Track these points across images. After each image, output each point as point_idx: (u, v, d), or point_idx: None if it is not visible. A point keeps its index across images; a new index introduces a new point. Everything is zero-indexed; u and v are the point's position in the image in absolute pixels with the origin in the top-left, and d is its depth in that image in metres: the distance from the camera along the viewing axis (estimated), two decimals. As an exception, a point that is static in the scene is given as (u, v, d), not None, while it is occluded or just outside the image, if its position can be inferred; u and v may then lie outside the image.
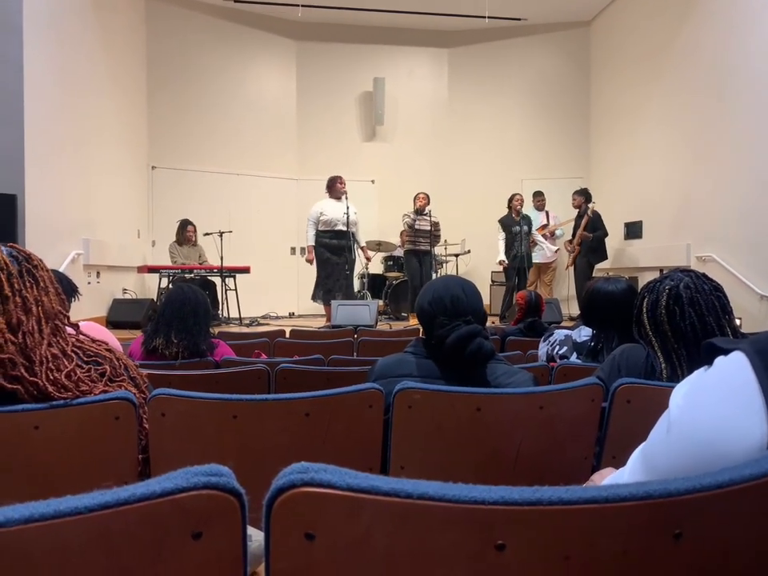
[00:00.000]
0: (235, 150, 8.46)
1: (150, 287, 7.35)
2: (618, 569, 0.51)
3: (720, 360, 0.69)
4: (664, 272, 1.69)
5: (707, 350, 0.72)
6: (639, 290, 1.66)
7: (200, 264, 6.92)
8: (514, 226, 7.31)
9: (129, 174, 7.32)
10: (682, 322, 1.51)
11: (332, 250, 6.43)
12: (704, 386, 0.69)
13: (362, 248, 6.83)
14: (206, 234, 6.87)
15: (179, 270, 6.55)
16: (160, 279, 6.59)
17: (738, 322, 4.97)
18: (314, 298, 6.60)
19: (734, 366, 0.66)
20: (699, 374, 0.72)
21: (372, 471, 1.46)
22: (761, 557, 0.54)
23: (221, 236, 6.64)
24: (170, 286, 6.13)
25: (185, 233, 6.94)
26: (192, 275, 6.55)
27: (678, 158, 6.94)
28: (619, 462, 0.86)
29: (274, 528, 0.50)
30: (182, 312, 2.48)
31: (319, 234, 6.44)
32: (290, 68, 8.99)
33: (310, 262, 6.54)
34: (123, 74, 7.09)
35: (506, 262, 7.34)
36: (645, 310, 1.58)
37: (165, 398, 1.29)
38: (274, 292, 8.14)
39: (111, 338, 2.28)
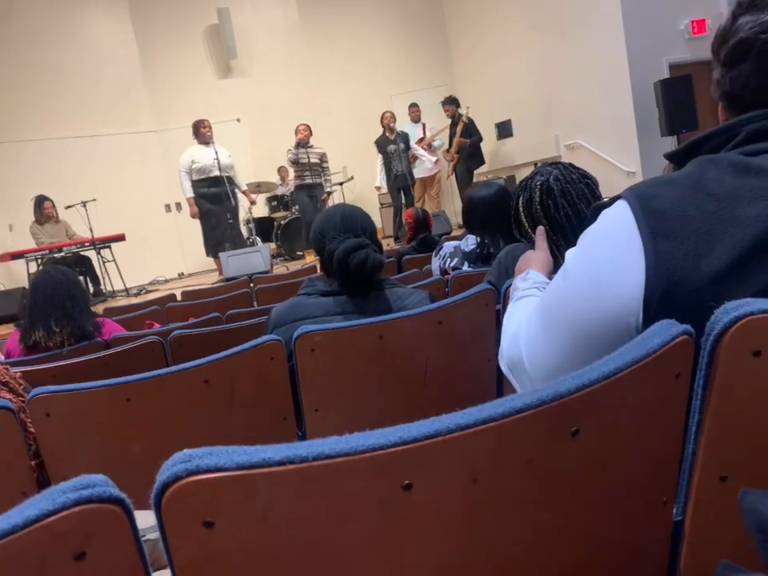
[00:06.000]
0: (81, 110, 7.69)
1: (19, 275, 6.74)
2: (525, 478, 0.51)
3: (605, 211, 0.74)
4: (538, 166, 1.72)
5: (594, 213, 0.75)
6: (513, 190, 1.69)
7: (69, 240, 6.39)
8: (389, 146, 7.26)
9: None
10: (557, 214, 1.55)
11: (211, 199, 6.13)
12: (591, 233, 0.74)
13: (243, 192, 6.56)
14: (68, 207, 6.31)
15: (47, 251, 6.03)
16: (27, 264, 6.04)
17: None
18: (207, 253, 6.37)
19: (616, 212, 0.71)
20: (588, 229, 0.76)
21: (287, 421, 1.45)
22: (651, 438, 0.57)
23: (84, 206, 6.13)
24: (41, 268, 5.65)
25: (42, 210, 6.34)
26: (63, 254, 6.05)
27: (537, 51, 7.08)
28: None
29: (167, 524, 0.46)
30: (55, 297, 2.28)
31: (195, 185, 6.11)
32: (123, 10, 8.16)
33: (194, 216, 6.21)
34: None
35: (383, 188, 7.35)
36: (521, 209, 1.61)
37: (45, 397, 1.18)
38: (157, 255, 7.71)
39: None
